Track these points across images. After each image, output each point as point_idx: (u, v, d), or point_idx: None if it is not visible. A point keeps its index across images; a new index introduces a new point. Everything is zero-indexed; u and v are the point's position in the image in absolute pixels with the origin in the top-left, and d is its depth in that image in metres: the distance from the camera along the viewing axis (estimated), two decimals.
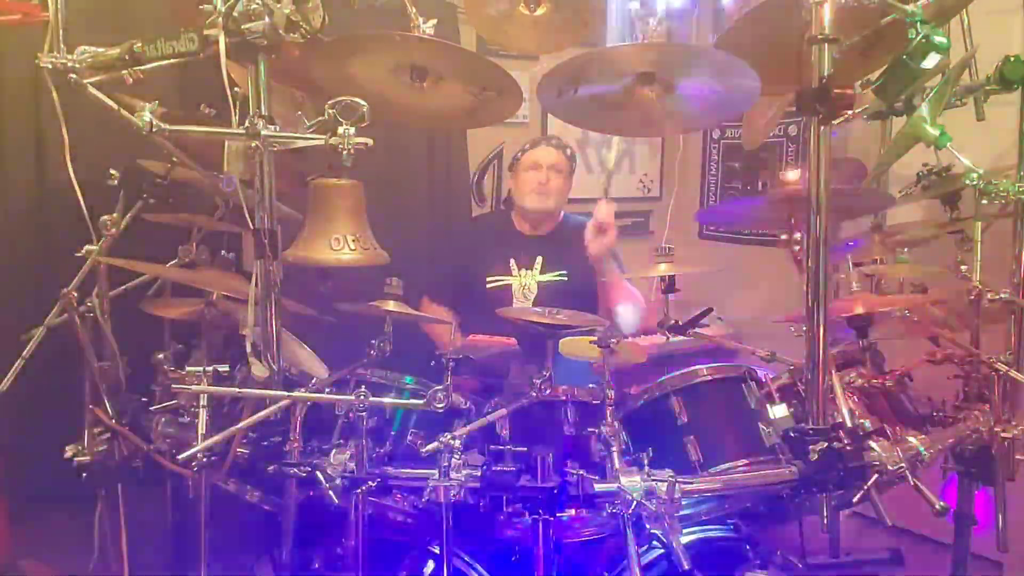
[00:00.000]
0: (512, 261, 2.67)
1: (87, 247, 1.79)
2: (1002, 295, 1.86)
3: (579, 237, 2.68)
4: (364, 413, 1.46)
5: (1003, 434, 1.78)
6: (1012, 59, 1.84)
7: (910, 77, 1.49)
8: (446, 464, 1.44)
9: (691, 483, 1.49)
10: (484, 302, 2.60)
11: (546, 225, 2.75)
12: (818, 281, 1.47)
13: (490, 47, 2.82)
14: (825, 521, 1.60)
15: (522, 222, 2.76)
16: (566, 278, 2.65)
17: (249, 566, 2.13)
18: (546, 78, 1.65)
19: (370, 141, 1.40)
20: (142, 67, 1.46)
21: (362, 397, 1.45)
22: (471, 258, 2.74)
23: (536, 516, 1.43)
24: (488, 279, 2.67)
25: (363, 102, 1.40)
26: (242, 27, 1.39)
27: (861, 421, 1.62)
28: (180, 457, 1.58)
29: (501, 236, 2.76)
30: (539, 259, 2.67)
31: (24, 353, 1.78)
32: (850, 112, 1.44)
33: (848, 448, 1.46)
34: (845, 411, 1.56)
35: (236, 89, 1.45)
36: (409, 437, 1.75)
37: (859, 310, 1.85)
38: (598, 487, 1.44)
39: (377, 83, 1.74)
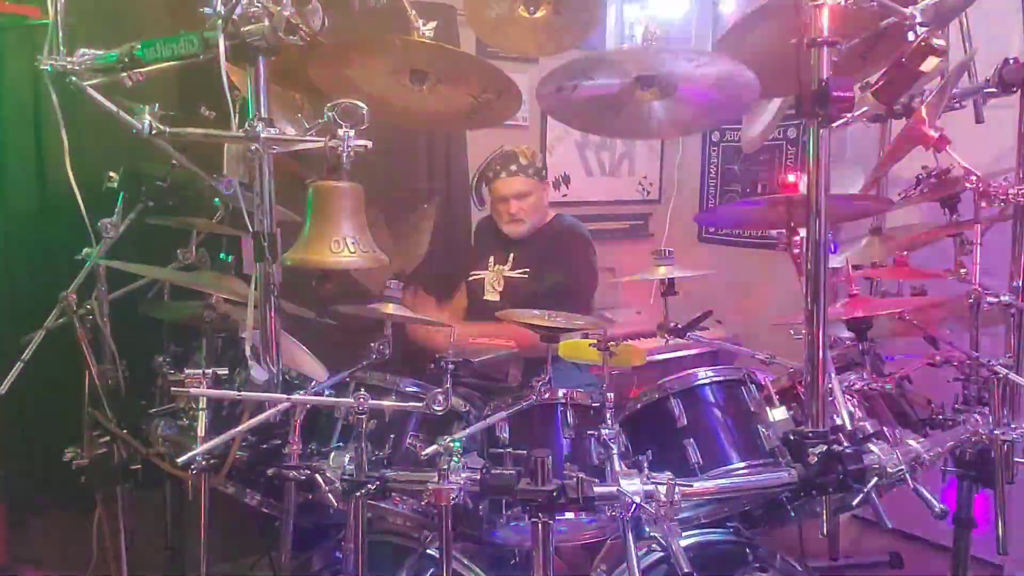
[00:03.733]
0: (491, 257, 2.80)
1: (86, 250, 1.79)
2: (1002, 298, 1.86)
3: (562, 239, 2.79)
4: (363, 416, 1.45)
5: (1003, 437, 1.78)
6: (1011, 62, 1.84)
7: (908, 80, 1.49)
8: (445, 467, 1.44)
9: (690, 486, 1.49)
10: (466, 294, 2.83)
11: (529, 231, 2.78)
12: (818, 284, 1.47)
13: (489, 49, 2.83)
14: (825, 524, 1.59)
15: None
16: (526, 275, 2.71)
17: (248, 570, 2.13)
18: (545, 80, 1.65)
19: (369, 144, 1.41)
20: (141, 69, 1.46)
21: (361, 400, 1.45)
22: (465, 256, 2.90)
23: (535, 519, 1.43)
24: (471, 273, 2.83)
25: (362, 104, 1.40)
26: (242, 29, 1.39)
27: (861, 424, 1.62)
28: (179, 460, 1.57)
29: (489, 236, 2.88)
30: (511, 256, 2.76)
31: (23, 356, 1.78)
32: (849, 115, 1.44)
33: (848, 451, 1.46)
34: (845, 414, 1.56)
35: (236, 92, 1.44)
36: (408, 440, 1.75)
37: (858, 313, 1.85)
38: (597, 490, 1.44)
39: (376, 85, 1.75)
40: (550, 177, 3.14)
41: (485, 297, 2.76)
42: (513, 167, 2.70)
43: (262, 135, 1.40)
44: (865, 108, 1.83)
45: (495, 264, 2.79)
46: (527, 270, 2.73)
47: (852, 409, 1.65)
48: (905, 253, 2.11)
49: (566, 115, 1.96)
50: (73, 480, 1.77)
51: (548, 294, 2.62)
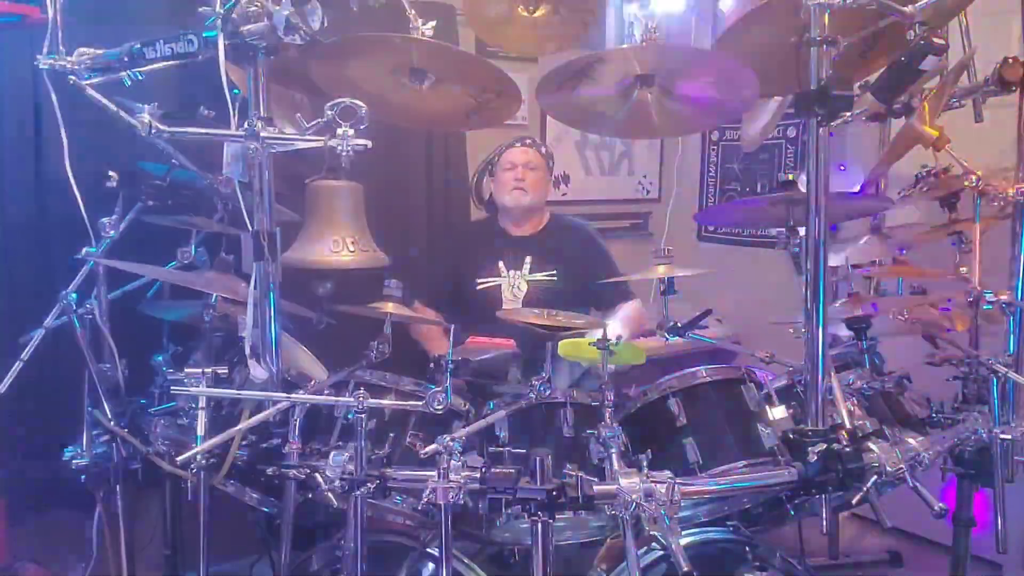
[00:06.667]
0: (500, 263, 2.70)
1: (86, 249, 1.79)
2: (1001, 297, 1.86)
3: (569, 237, 2.77)
4: (363, 415, 1.45)
5: (1002, 436, 1.78)
6: (1010, 61, 1.84)
7: (908, 79, 1.49)
8: (445, 466, 1.44)
9: (690, 485, 1.49)
10: (473, 304, 2.65)
11: (532, 225, 2.78)
12: (817, 282, 1.47)
13: (489, 48, 2.82)
14: (824, 523, 1.59)
15: (508, 223, 2.80)
16: (555, 278, 2.67)
17: (248, 569, 2.13)
18: (545, 80, 1.65)
19: (369, 143, 1.40)
20: (141, 68, 1.46)
21: (361, 399, 1.45)
22: (462, 262, 2.77)
23: (535, 518, 1.43)
24: (478, 281, 2.69)
25: (362, 104, 1.40)
26: (241, 29, 1.39)
27: (860, 423, 1.62)
28: (179, 459, 1.58)
29: (489, 239, 2.79)
30: (527, 259, 2.69)
31: (23, 355, 1.78)
32: (849, 114, 1.44)
33: (847, 450, 1.46)
34: (844, 412, 1.56)
35: (235, 91, 1.44)
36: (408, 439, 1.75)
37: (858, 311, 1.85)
38: (597, 489, 1.44)
39: (376, 84, 1.75)
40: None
41: (504, 307, 2.60)
42: (527, 140, 2.77)
43: (261, 134, 1.40)
44: (865, 107, 1.84)
45: (507, 269, 2.69)
46: (554, 272, 2.67)
47: (851, 408, 1.65)
48: (904, 252, 2.11)
49: (565, 114, 1.96)
50: (73, 480, 1.76)
51: (582, 293, 2.61)
